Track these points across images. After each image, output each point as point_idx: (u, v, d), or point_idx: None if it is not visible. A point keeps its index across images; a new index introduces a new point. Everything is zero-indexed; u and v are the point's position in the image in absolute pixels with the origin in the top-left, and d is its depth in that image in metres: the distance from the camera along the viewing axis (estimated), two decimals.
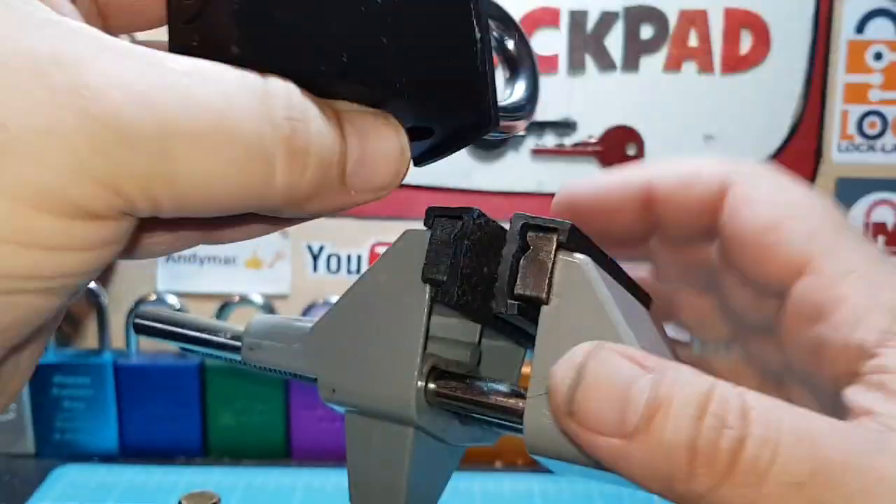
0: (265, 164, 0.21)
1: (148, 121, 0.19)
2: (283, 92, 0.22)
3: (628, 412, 0.22)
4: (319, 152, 0.23)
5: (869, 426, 0.22)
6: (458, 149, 0.28)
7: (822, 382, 0.27)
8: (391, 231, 0.84)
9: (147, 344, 0.83)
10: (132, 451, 0.82)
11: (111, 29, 0.27)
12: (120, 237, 0.21)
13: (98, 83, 0.19)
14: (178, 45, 0.24)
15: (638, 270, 0.35)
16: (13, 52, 0.18)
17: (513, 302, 0.26)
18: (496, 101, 0.26)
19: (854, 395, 0.24)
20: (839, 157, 0.84)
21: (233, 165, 0.21)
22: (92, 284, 0.72)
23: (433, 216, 0.28)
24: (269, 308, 0.83)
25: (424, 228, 0.28)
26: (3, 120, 0.18)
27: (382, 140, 0.25)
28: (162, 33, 0.25)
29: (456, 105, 0.26)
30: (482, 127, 0.26)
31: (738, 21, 0.82)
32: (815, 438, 0.21)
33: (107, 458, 0.81)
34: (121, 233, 0.21)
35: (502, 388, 0.28)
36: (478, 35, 0.25)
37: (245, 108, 0.21)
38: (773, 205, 0.28)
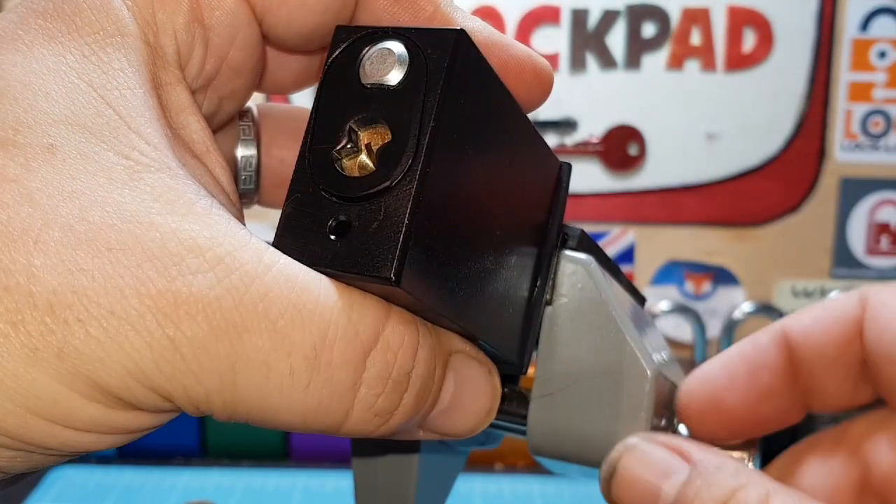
0: (342, 412, 0.20)
1: (223, 356, 0.18)
2: (393, 353, 0.20)
3: None
4: (406, 411, 0.21)
5: None
6: None
7: None
8: None
9: None
10: (130, 453, 0.81)
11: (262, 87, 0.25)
12: (160, 424, 0.20)
13: (184, 298, 0.17)
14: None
15: None
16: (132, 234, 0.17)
17: None
18: (531, 354, 0.26)
19: None
20: (843, 156, 0.84)
21: (309, 412, 0.20)
22: None
23: None
24: None
25: None
26: (82, 314, 0.17)
27: (478, 397, 0.23)
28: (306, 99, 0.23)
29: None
30: (514, 372, 0.26)
31: (741, 19, 0.82)
32: None
33: (104, 459, 0.81)
34: (162, 421, 0.20)
35: (505, 389, 0.28)
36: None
37: (341, 357, 0.19)
38: None
